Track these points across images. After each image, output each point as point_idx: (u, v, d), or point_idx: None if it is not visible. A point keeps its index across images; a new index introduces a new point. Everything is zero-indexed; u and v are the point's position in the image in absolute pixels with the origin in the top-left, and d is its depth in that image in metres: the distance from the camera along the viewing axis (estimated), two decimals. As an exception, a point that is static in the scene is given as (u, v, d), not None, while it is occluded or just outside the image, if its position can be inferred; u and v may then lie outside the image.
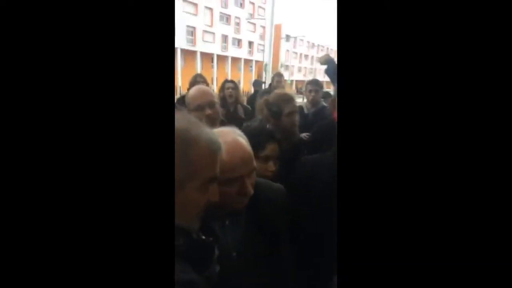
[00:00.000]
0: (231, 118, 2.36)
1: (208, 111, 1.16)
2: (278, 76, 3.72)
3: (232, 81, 2.61)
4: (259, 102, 1.42)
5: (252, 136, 0.84)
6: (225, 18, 24.38)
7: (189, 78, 2.96)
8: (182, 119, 0.49)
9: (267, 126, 1.14)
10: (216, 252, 0.53)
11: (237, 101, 2.49)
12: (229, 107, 2.45)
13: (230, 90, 2.47)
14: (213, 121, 1.14)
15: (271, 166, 0.98)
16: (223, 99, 2.48)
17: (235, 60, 26.12)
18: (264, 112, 1.32)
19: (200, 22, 21.77)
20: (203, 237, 0.51)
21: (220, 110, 1.29)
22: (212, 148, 0.48)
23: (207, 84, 2.96)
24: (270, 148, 0.98)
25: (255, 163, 0.64)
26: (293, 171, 0.99)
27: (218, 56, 23.97)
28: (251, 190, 0.62)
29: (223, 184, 0.57)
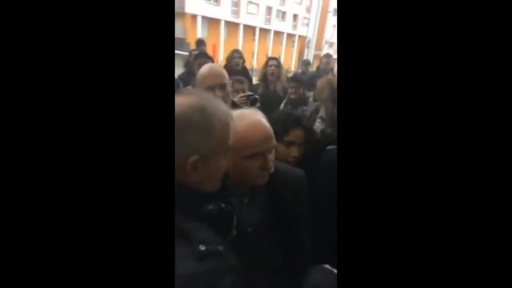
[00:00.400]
0: (270, 96, 2.30)
1: (219, 93, 1.15)
2: (327, 58, 3.40)
3: (276, 59, 2.54)
4: (322, 81, 1.34)
5: (277, 120, 0.92)
6: (271, -12, 23.23)
7: (228, 51, 3.03)
8: (200, 96, 0.55)
9: (319, 110, 1.18)
10: (235, 220, 0.59)
11: (278, 79, 2.45)
12: (269, 85, 2.44)
13: (272, 67, 2.41)
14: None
15: (294, 151, 0.99)
16: (264, 75, 2.46)
17: (278, 34, 25.19)
18: (324, 94, 1.27)
19: (245, -8, 21.12)
20: (223, 205, 0.56)
21: (230, 91, 1.27)
22: (228, 120, 0.55)
23: (244, 61, 2.94)
24: (295, 134, 1.00)
25: (274, 141, 0.70)
26: (317, 159, 1.00)
27: (261, 29, 23.33)
28: (272, 165, 0.68)
29: (247, 159, 0.65)
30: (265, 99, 1.96)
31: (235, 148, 0.60)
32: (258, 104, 1.56)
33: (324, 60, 3.32)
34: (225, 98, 1.16)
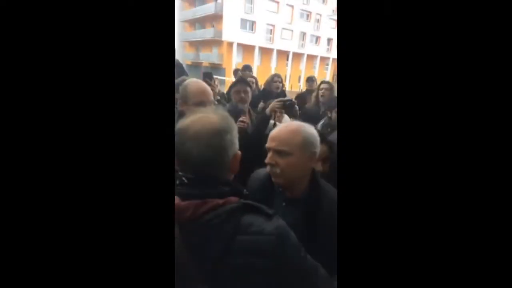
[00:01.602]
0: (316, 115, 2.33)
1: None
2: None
3: (328, 83, 2.59)
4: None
5: None
6: (306, 15, 23.87)
7: (262, 76, 3.06)
8: (228, 120, 0.64)
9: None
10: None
11: (329, 103, 2.45)
12: (320, 107, 2.46)
13: (323, 90, 2.50)
14: None
15: (319, 166, 1.05)
16: (316, 98, 2.54)
17: (311, 57, 25.39)
18: None
19: (280, 19, 21.95)
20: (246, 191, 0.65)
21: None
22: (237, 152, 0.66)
23: (283, 85, 3.15)
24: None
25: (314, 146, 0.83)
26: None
27: (294, 53, 23.75)
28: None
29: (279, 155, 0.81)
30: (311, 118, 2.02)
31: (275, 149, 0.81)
32: (296, 108, 1.65)
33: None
34: None
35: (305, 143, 0.79)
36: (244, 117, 1.57)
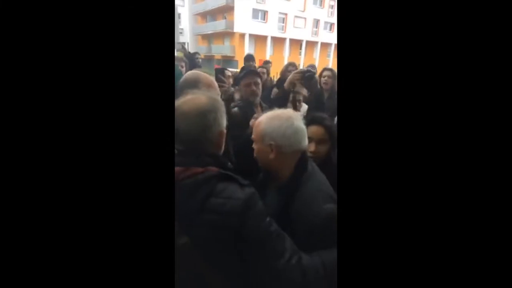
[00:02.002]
0: (320, 106, 2.21)
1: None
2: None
3: (330, 69, 2.47)
4: None
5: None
6: (319, 1, 23.05)
7: (276, 65, 2.97)
8: (213, 100, 0.75)
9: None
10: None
11: (331, 89, 2.34)
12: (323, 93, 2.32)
13: (326, 78, 2.36)
14: None
15: (311, 147, 1.07)
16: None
17: (325, 45, 24.62)
18: None
19: (292, 7, 21.38)
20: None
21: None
22: (224, 130, 0.77)
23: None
24: (312, 130, 1.08)
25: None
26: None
27: (307, 42, 23.15)
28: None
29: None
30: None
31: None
32: (316, 79, 1.63)
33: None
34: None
35: (262, 134, 0.82)
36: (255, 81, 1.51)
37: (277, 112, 0.86)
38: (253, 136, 0.86)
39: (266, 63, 3.67)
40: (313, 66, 3.52)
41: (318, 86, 1.72)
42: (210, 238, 0.63)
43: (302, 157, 0.84)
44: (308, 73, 1.55)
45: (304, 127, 0.84)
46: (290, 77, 1.57)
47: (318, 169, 0.88)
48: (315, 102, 1.96)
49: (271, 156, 0.82)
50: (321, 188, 0.80)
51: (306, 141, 0.85)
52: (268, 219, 0.67)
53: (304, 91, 1.74)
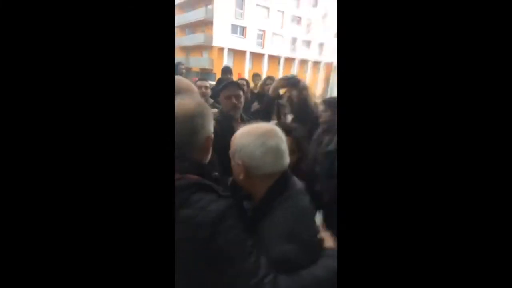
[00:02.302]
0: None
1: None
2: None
3: (272, 78, 2.63)
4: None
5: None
6: (296, 20, 23.92)
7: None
8: (201, 106, 0.74)
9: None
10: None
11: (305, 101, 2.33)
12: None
13: (268, 86, 2.49)
14: None
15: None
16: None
17: (303, 62, 25.39)
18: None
19: (270, 25, 21.92)
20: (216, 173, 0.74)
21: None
22: (211, 135, 0.77)
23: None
24: None
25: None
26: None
27: (286, 58, 23.69)
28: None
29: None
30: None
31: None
32: (301, 85, 1.58)
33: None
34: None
35: (233, 151, 0.74)
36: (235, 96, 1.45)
37: (253, 126, 0.76)
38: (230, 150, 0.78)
39: (256, 76, 3.68)
40: (257, 75, 3.56)
41: (304, 92, 1.60)
42: (180, 250, 0.57)
43: (277, 182, 0.73)
44: (292, 80, 1.54)
45: (281, 146, 0.73)
46: (274, 84, 1.59)
47: (296, 194, 0.74)
48: (298, 111, 1.90)
49: (241, 176, 0.73)
50: (283, 223, 0.68)
51: (284, 162, 0.74)
52: (241, 234, 0.63)
53: (294, 93, 1.71)
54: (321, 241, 0.73)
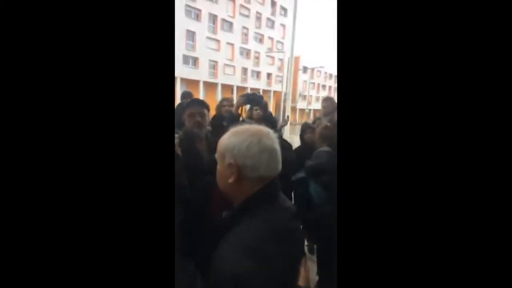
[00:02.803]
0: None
1: (199, 118, 1.44)
2: (326, 101, 3.54)
3: (228, 100, 2.78)
4: (322, 127, 1.65)
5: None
6: (245, 53, 25.71)
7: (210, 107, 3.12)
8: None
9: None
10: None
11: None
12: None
13: (226, 107, 2.58)
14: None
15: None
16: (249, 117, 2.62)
17: (254, 90, 26.87)
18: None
19: (221, 56, 23.06)
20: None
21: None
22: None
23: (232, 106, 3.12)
24: None
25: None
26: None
27: (238, 87, 24.85)
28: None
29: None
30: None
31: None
32: (264, 102, 1.62)
33: (324, 104, 3.44)
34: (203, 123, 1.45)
35: (223, 152, 0.66)
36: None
37: (242, 127, 0.69)
38: (216, 155, 0.70)
39: (185, 95, 3.69)
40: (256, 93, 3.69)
41: (268, 109, 1.76)
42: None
43: (265, 188, 0.65)
44: (252, 96, 1.54)
45: (276, 147, 0.66)
46: (236, 102, 1.55)
47: (282, 211, 0.68)
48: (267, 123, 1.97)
49: (230, 180, 0.64)
50: (254, 237, 0.59)
51: (278, 166, 0.67)
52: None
53: (257, 112, 1.76)
54: (295, 275, 0.66)
